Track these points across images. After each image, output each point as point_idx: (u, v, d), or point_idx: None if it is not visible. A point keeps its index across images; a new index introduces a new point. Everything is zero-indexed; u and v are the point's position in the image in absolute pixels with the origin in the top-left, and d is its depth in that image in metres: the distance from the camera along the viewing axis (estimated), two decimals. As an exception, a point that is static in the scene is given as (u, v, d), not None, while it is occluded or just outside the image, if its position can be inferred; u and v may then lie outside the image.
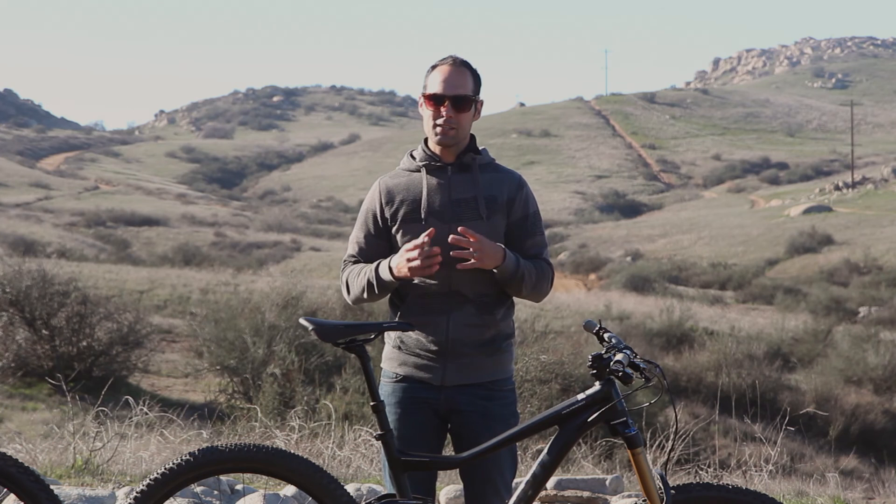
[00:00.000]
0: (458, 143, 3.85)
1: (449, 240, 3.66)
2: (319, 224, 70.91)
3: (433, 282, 3.77)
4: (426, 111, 3.85)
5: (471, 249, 3.63)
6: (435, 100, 3.81)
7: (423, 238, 3.66)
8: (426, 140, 3.91)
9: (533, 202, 3.90)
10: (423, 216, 3.80)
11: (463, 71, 3.84)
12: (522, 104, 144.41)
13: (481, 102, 3.91)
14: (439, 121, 3.80)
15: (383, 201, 3.87)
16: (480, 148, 3.91)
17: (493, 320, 3.82)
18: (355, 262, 3.94)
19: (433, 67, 3.86)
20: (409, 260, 3.66)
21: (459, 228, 3.65)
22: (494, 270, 3.73)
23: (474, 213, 3.80)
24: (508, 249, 3.83)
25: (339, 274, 4.02)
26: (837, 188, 78.60)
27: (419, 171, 3.88)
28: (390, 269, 3.73)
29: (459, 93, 3.80)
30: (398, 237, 3.84)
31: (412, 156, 3.92)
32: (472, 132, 3.92)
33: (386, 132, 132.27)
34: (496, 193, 3.84)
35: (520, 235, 3.87)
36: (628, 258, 54.48)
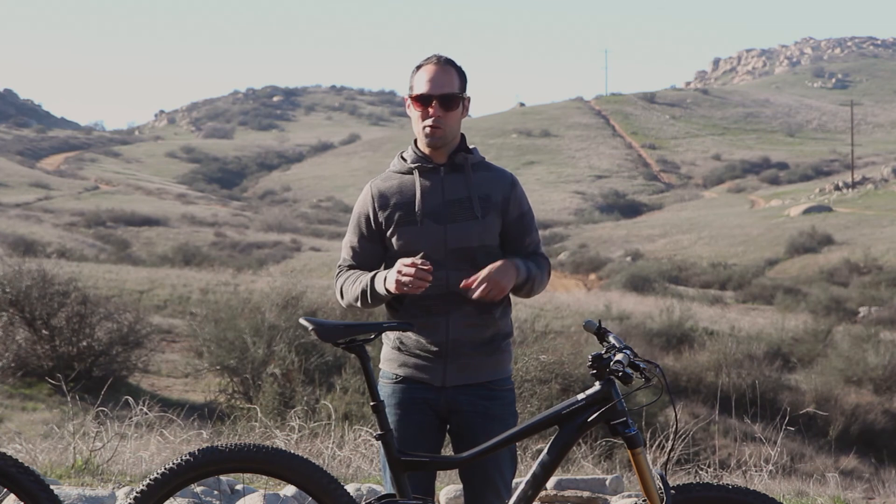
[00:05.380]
0: (447, 143, 3.83)
1: (461, 286, 3.67)
2: (319, 224, 70.91)
3: (429, 283, 3.77)
4: (414, 112, 3.83)
5: (483, 287, 3.65)
6: (422, 100, 3.79)
7: (418, 257, 3.67)
8: (416, 141, 3.89)
9: (525, 199, 3.91)
10: (418, 218, 3.79)
11: (448, 69, 3.82)
12: (522, 104, 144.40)
13: (468, 99, 3.88)
14: (428, 121, 3.78)
15: (376, 205, 3.84)
16: (471, 147, 3.89)
17: (491, 319, 3.81)
18: (350, 268, 3.93)
19: (418, 68, 3.84)
20: (399, 273, 3.65)
21: (462, 285, 3.67)
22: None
23: (469, 212, 3.78)
24: (508, 249, 3.85)
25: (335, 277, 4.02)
26: (837, 188, 78.62)
27: (411, 172, 3.85)
28: (385, 282, 3.71)
29: (446, 91, 3.78)
30: (393, 241, 3.82)
31: (403, 157, 3.90)
32: (466, 132, 3.91)
33: (386, 132, 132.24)
34: (490, 192, 3.82)
35: (518, 234, 3.87)
36: (628, 258, 54.48)
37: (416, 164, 3.84)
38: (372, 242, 3.87)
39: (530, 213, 3.90)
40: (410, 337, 3.82)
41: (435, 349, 3.78)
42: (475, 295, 3.65)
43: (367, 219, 3.87)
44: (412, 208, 3.80)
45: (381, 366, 3.92)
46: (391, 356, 3.88)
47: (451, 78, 3.81)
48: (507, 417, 3.82)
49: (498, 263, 3.69)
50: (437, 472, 4.32)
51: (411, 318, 3.78)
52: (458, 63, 3.86)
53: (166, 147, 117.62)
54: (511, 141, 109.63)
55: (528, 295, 3.86)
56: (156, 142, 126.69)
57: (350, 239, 3.92)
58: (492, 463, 3.73)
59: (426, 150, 3.84)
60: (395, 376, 3.85)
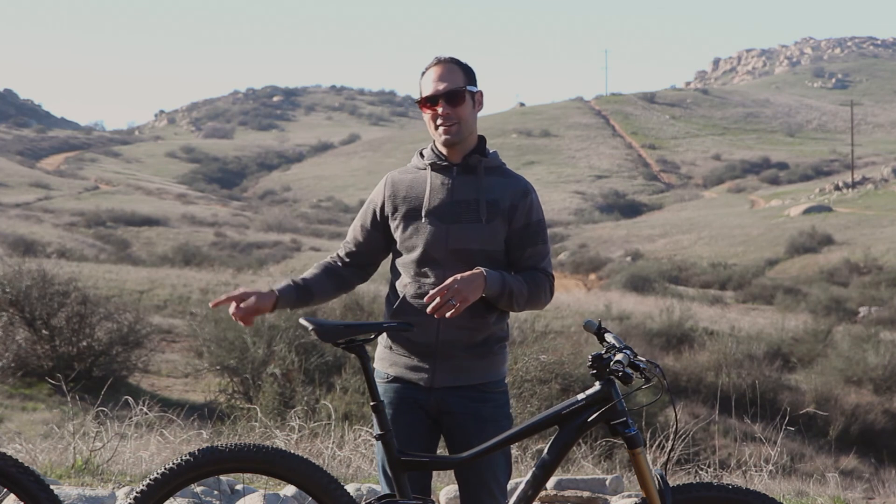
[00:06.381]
0: (464, 140, 3.83)
1: (425, 300, 3.63)
2: (319, 224, 70.95)
3: (429, 280, 3.76)
4: (426, 115, 3.86)
5: (437, 302, 3.57)
6: (430, 101, 3.81)
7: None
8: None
9: (538, 211, 3.86)
10: (423, 215, 3.80)
11: (451, 66, 3.83)
12: (522, 104, 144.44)
13: (480, 93, 3.88)
14: (439, 121, 3.80)
15: (386, 195, 3.89)
16: (490, 151, 3.89)
17: (484, 323, 3.78)
18: (347, 254, 3.95)
19: (423, 72, 3.86)
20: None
21: (425, 298, 3.62)
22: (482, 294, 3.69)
23: (474, 215, 3.78)
24: (510, 257, 3.83)
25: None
26: (837, 188, 78.65)
27: (425, 169, 3.88)
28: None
29: (449, 87, 3.79)
30: (397, 234, 3.85)
31: (421, 154, 3.93)
32: (480, 134, 3.90)
33: (386, 132, 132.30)
34: (498, 198, 3.80)
35: (520, 244, 3.83)
36: (628, 258, 54.49)
37: (430, 161, 3.87)
38: (374, 231, 3.91)
39: (539, 226, 3.85)
40: (401, 336, 3.82)
41: (424, 350, 3.77)
42: (429, 310, 3.59)
43: (375, 208, 3.91)
44: (419, 204, 3.82)
45: (374, 364, 3.91)
46: (383, 355, 3.88)
47: (455, 74, 3.82)
48: (501, 419, 3.79)
49: (467, 273, 3.64)
50: (434, 471, 4.31)
51: (404, 316, 3.78)
52: (463, 60, 3.87)
53: (166, 147, 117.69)
54: (511, 141, 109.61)
55: (510, 308, 3.77)
56: (156, 142, 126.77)
57: (356, 224, 3.97)
58: (486, 465, 3.71)
59: (443, 149, 3.86)
60: (386, 375, 3.85)
